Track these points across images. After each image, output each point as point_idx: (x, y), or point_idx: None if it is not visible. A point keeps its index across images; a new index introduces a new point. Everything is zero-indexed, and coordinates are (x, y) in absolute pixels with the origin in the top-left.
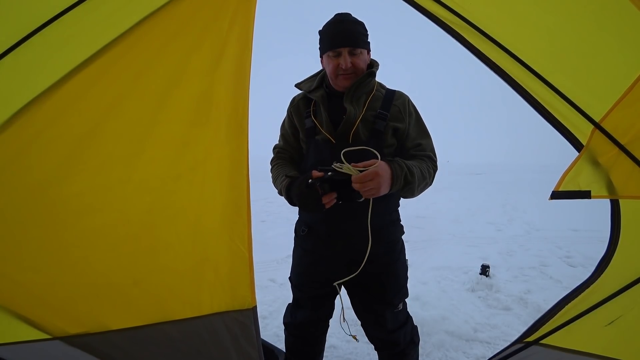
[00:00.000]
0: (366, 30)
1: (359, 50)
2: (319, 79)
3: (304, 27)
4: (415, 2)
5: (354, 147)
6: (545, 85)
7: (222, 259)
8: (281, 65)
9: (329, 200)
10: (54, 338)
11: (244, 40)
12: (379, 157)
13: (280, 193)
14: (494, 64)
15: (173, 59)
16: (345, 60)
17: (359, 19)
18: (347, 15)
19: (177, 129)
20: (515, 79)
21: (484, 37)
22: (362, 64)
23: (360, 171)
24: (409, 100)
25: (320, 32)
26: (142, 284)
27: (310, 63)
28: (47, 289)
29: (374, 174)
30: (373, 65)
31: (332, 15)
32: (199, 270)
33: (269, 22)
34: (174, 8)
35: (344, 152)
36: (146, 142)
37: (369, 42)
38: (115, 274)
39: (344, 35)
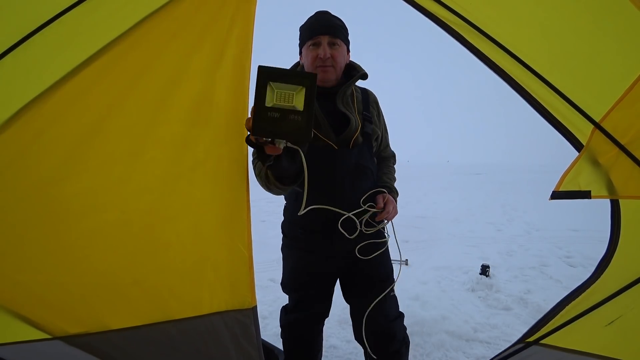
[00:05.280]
0: (346, 27)
1: (338, 41)
2: None
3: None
4: (415, 2)
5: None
6: (545, 85)
7: (222, 258)
8: (280, 62)
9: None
10: (54, 338)
11: (244, 40)
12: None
13: (258, 175)
14: (494, 64)
15: (173, 59)
16: (325, 50)
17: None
18: (327, 11)
19: (177, 129)
20: (515, 79)
21: (484, 37)
22: (341, 58)
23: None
24: (377, 100)
25: (300, 28)
26: (142, 283)
27: None
28: (47, 288)
29: (389, 201)
30: (356, 67)
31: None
32: (199, 270)
33: (268, 21)
34: (174, 8)
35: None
36: (146, 142)
37: (348, 40)
38: (116, 274)
39: (323, 25)
